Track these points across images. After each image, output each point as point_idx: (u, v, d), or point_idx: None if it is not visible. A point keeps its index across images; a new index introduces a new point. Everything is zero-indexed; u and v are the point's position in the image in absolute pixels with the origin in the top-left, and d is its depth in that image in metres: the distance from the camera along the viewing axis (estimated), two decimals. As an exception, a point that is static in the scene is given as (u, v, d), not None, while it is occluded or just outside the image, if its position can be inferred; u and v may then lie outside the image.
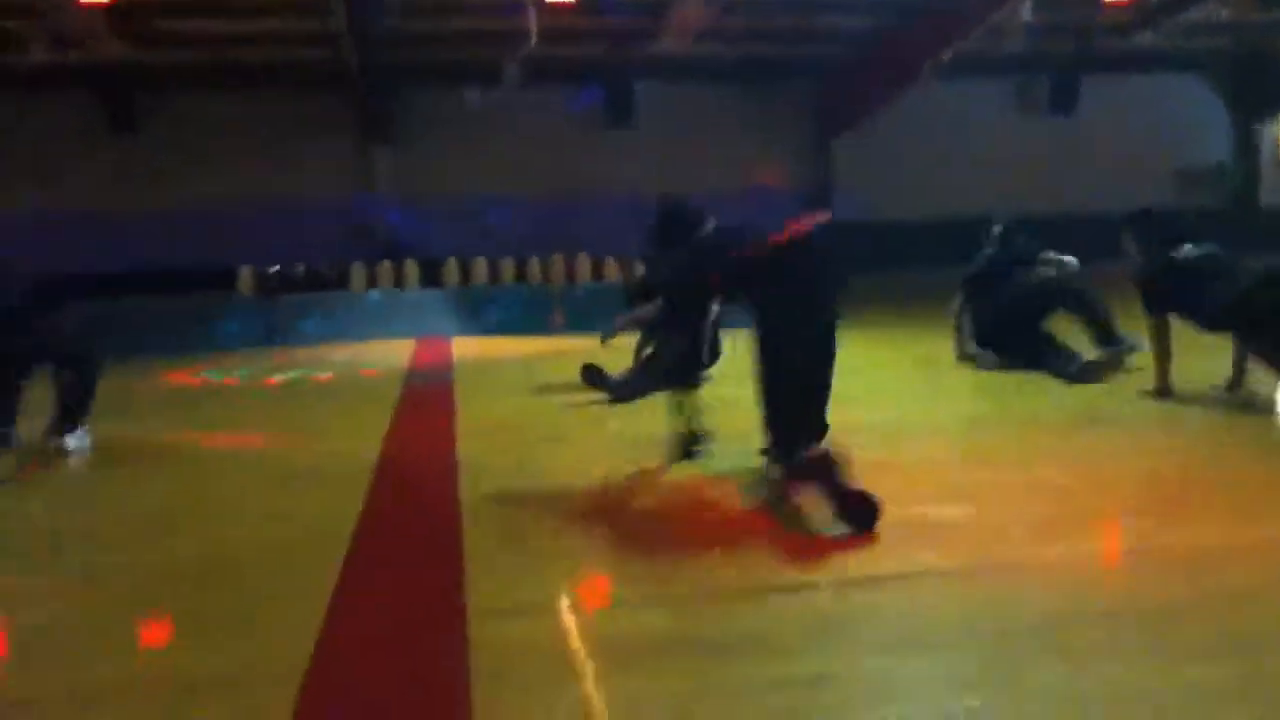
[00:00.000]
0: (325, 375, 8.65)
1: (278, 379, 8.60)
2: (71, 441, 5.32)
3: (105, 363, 5.57)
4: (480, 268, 12.01)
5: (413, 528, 3.82)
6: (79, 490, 4.85)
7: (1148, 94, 17.56)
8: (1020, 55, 16.22)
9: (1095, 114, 17.48)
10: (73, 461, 5.20)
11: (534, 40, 12.94)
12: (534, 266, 11.97)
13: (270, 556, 3.46)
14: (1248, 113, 18.16)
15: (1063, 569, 3.00)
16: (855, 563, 3.11)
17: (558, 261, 12.10)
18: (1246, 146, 18.16)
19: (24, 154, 15.08)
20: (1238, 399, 5.35)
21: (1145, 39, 15.95)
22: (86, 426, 5.41)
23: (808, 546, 3.27)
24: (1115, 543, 3.41)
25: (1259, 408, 5.25)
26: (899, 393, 6.49)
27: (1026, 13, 13.01)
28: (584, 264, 12.04)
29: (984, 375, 6.82)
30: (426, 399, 7.20)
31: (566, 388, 6.80)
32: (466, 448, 5.14)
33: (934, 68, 14.70)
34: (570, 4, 12.64)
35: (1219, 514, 3.47)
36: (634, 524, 3.69)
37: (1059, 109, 17.52)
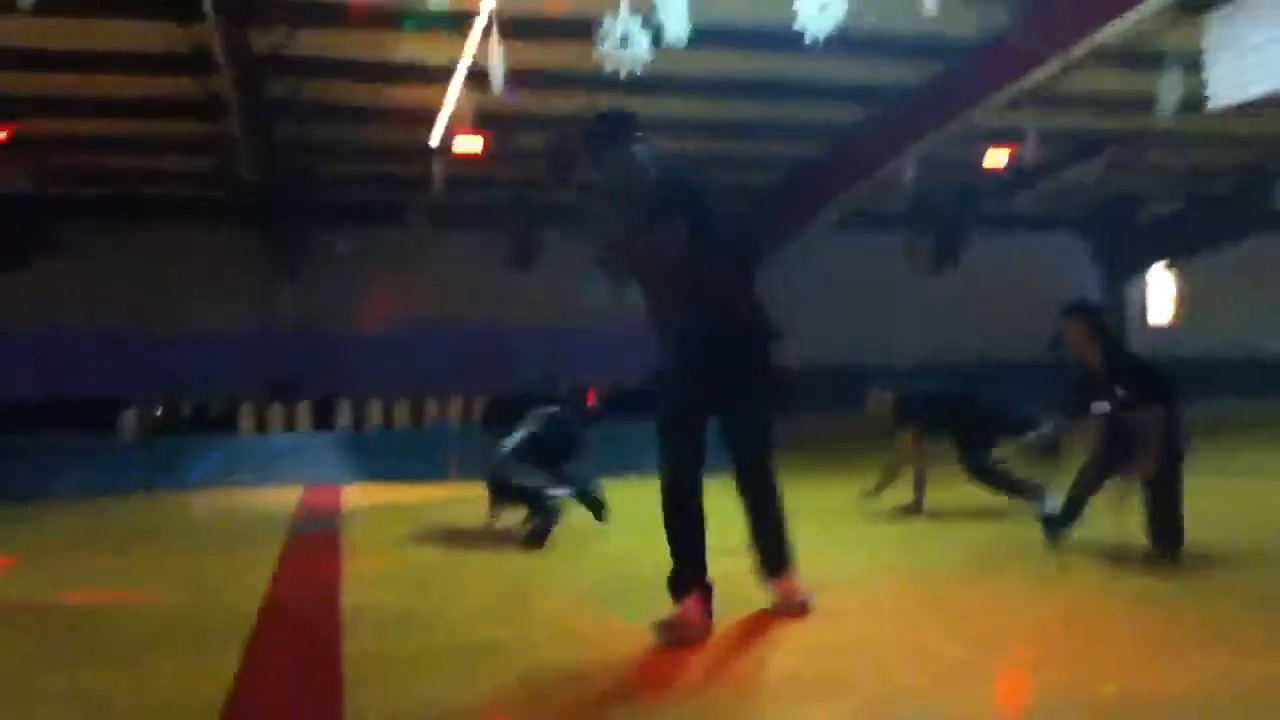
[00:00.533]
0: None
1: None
2: None
3: None
4: (375, 409, 11.80)
5: (293, 685, 3.65)
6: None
7: (1027, 251, 18.55)
8: (906, 213, 17.15)
9: (975, 269, 18.34)
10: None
11: (439, 186, 13.14)
12: (430, 408, 11.83)
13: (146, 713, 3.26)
14: (1116, 269, 19.37)
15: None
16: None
17: (455, 403, 11.99)
18: (1115, 300, 19.24)
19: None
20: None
21: (1023, 201, 17.01)
22: None
23: (700, 706, 3.22)
24: (1013, 695, 3.43)
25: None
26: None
27: (909, 174, 13.75)
28: (482, 406, 11.93)
29: (886, 526, 6.90)
30: (312, 548, 6.97)
31: (459, 536, 6.66)
32: (353, 600, 4.97)
33: (820, 221, 15.51)
34: (477, 154, 12.93)
35: (1108, 664, 3.51)
36: (526, 683, 3.58)
37: (943, 264, 18.38)
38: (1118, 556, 5.18)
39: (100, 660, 4.05)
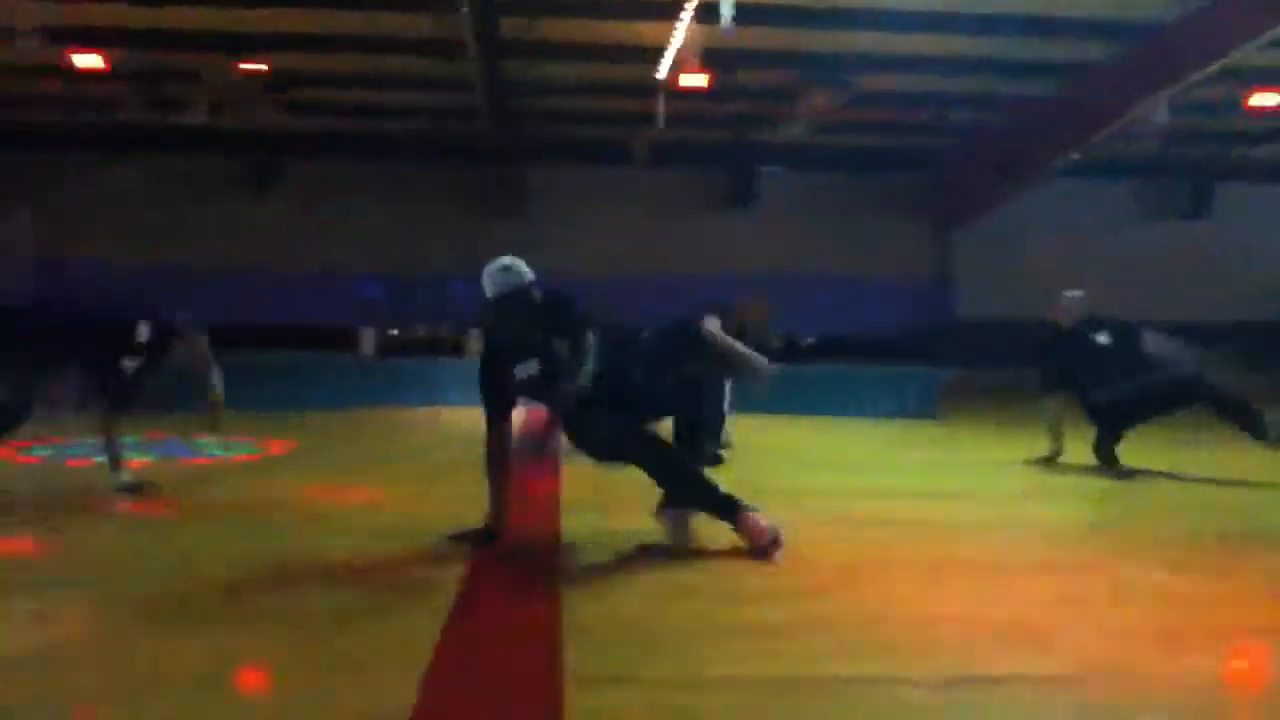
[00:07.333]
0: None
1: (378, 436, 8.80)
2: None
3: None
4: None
5: (512, 597, 3.84)
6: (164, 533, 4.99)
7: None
8: (1152, 158, 16.00)
9: (1228, 221, 16.98)
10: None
11: (662, 123, 13.26)
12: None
13: (371, 611, 3.51)
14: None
15: (1175, 684, 2.86)
16: (957, 660, 3.02)
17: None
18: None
19: (168, 211, 15.98)
20: None
21: (1281, 148, 15.60)
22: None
23: (908, 640, 3.20)
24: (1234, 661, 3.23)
25: None
26: (1002, 492, 6.32)
27: (1162, 117, 12.79)
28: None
29: (1081, 480, 6.61)
30: (532, 465, 7.25)
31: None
32: (571, 519, 5.17)
33: (1060, 167, 14.67)
34: (701, 88, 12.91)
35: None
36: (721, 600, 3.64)
37: (1193, 214, 17.09)
38: None
39: (329, 557, 4.39)
